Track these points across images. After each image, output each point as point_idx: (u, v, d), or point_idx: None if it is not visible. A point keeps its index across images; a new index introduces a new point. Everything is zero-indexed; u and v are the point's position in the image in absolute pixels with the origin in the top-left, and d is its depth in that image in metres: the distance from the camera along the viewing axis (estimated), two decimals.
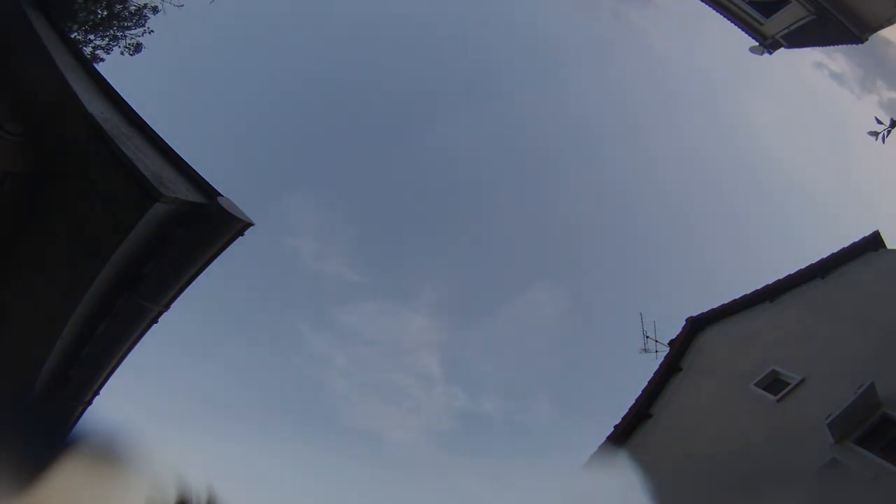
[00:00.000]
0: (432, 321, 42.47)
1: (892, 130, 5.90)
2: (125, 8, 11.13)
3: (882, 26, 11.40)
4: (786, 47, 13.41)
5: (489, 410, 41.55)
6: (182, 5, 11.58)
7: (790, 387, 11.22)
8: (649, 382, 13.83)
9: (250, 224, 5.04)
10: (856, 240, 12.62)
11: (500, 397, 41.80)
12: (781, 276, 13.18)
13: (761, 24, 13.23)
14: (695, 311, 14.17)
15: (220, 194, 5.02)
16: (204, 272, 5.35)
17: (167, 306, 5.54)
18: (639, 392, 13.80)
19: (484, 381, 41.94)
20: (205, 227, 4.95)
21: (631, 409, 13.62)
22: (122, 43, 11.22)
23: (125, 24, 11.20)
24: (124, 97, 6.28)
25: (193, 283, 5.46)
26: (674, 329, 14.62)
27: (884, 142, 5.85)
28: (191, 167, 5.28)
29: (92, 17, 10.67)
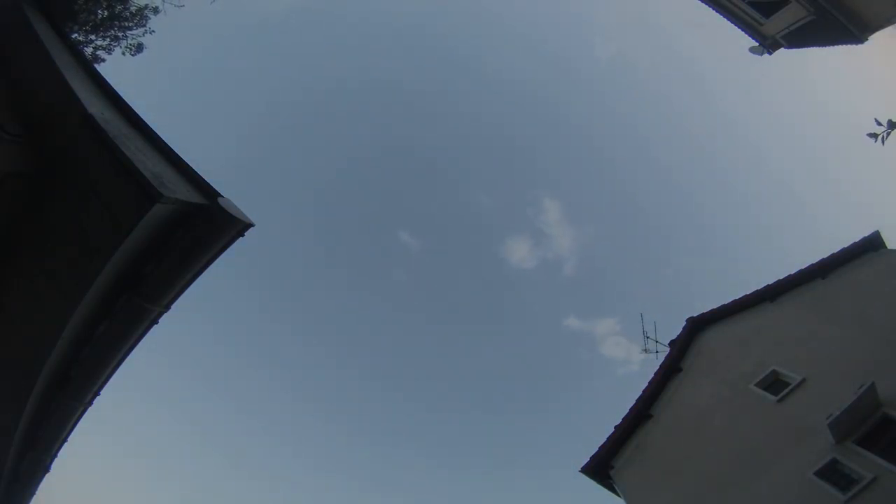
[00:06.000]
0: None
1: (892, 132, 5.87)
2: (126, 8, 11.11)
3: (882, 26, 11.38)
4: (786, 47, 13.40)
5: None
6: (183, 6, 11.58)
7: (791, 387, 11.21)
8: (650, 383, 13.83)
9: (251, 225, 5.03)
10: (856, 240, 12.62)
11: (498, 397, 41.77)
12: (782, 276, 13.18)
13: (761, 24, 13.22)
14: (695, 312, 14.19)
15: (220, 195, 5.00)
16: (204, 273, 5.34)
17: (168, 307, 5.53)
18: (639, 392, 13.82)
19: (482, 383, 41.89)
20: (205, 227, 4.93)
21: (631, 409, 13.62)
22: (123, 43, 11.22)
23: (126, 24, 11.19)
24: (124, 97, 6.28)
25: (194, 283, 5.45)
26: (674, 329, 14.64)
27: (883, 143, 5.82)
28: (191, 168, 5.26)
29: (93, 17, 10.66)
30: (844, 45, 12.12)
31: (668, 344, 14.63)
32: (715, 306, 13.97)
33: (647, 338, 15.21)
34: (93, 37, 10.88)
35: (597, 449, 13.46)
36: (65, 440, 6.71)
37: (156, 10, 11.37)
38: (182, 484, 37.08)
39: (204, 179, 5.10)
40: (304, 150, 41.62)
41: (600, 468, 13.31)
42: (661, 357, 14.41)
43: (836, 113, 40.66)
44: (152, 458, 36.99)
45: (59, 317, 5.11)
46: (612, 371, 41.72)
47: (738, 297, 13.66)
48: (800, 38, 12.82)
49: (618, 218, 44.24)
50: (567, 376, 42.10)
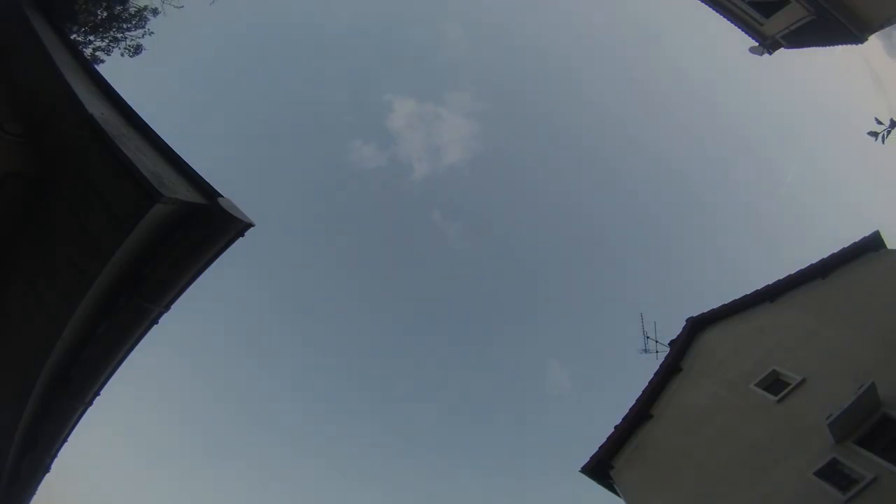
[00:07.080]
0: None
1: (892, 131, 5.89)
2: (125, 9, 11.13)
3: (882, 26, 11.38)
4: (785, 47, 13.40)
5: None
6: (182, 7, 11.60)
7: (791, 387, 11.20)
8: (649, 383, 13.83)
9: (251, 225, 5.04)
10: (856, 240, 12.61)
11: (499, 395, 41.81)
12: (782, 276, 13.18)
13: (761, 24, 13.22)
14: (695, 312, 14.18)
15: (220, 195, 5.01)
16: (205, 273, 5.36)
17: (168, 307, 5.54)
18: (639, 392, 13.81)
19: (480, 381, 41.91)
20: (205, 227, 4.94)
21: (631, 409, 13.62)
22: (123, 44, 11.24)
23: (125, 25, 11.21)
24: (124, 98, 6.29)
25: (194, 283, 5.46)
26: (674, 329, 14.64)
27: (883, 142, 5.84)
28: (191, 168, 5.28)
29: (92, 18, 10.67)
30: (844, 45, 12.13)
31: (668, 344, 14.62)
32: (715, 306, 13.98)
33: (647, 338, 15.20)
34: (92, 38, 10.90)
35: (597, 449, 13.45)
36: (65, 440, 6.72)
37: (155, 12, 11.40)
38: (182, 484, 37.10)
39: (204, 179, 5.11)
40: (304, 148, 41.62)
41: (600, 468, 13.30)
42: (661, 357, 14.41)
43: (836, 113, 40.70)
44: (152, 459, 37.00)
45: (59, 317, 5.12)
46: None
47: (738, 297, 13.65)
48: (800, 38, 12.81)
49: (617, 219, 44.25)
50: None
